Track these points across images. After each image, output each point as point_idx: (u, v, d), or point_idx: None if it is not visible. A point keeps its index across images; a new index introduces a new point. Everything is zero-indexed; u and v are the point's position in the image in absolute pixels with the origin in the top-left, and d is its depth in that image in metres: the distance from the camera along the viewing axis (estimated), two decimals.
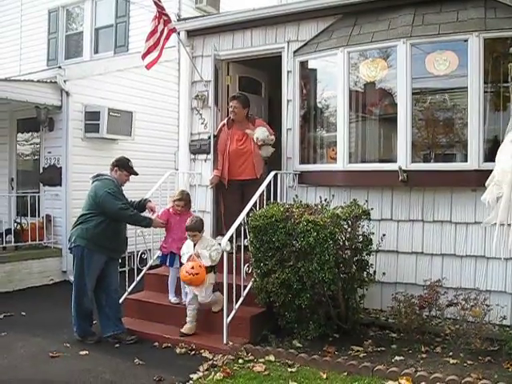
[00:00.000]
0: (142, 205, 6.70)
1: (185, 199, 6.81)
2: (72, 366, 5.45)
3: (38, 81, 9.57)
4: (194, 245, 6.23)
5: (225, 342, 5.79)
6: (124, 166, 6.48)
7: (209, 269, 6.11)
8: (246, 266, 6.17)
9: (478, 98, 6.08)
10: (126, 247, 6.64)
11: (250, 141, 7.32)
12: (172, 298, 6.71)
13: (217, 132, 7.62)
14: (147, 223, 6.49)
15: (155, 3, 7.37)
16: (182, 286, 6.57)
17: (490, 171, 5.92)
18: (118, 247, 6.44)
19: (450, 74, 6.29)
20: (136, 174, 6.58)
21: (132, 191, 7.00)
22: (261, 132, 7.26)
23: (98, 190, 6.21)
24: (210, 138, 7.88)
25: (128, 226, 6.73)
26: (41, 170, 10.32)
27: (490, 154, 6.09)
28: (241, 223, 6.08)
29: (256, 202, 6.36)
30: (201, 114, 8.27)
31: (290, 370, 5.17)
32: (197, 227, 6.29)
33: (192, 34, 8.38)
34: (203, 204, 8.12)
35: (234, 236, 5.96)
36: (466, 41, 6.11)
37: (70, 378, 5.14)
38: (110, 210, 6.14)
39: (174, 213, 6.78)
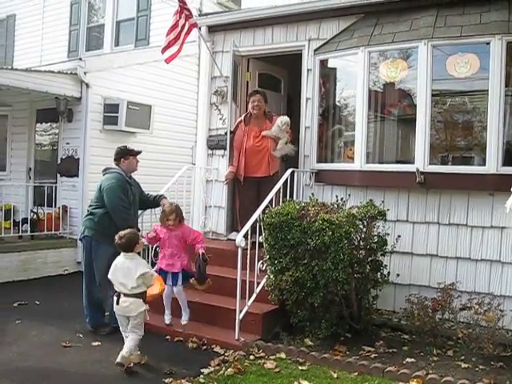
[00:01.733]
0: (157, 201, 6.72)
1: (176, 211, 6.27)
2: (84, 356, 5.50)
3: (59, 72, 9.63)
4: None
5: (236, 337, 5.80)
6: (125, 152, 6.54)
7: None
8: (260, 262, 6.17)
9: (499, 102, 6.02)
10: None
11: (267, 138, 7.31)
12: (167, 320, 6.30)
13: (233, 128, 7.63)
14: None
15: None
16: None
17: (509, 175, 5.93)
18: None
19: (470, 76, 6.23)
20: (140, 152, 6.64)
21: (149, 184, 7.07)
22: (283, 118, 7.34)
23: (104, 182, 6.30)
24: (226, 133, 7.89)
25: (144, 219, 6.77)
26: (58, 161, 10.40)
27: (509, 159, 6.06)
28: (256, 220, 6.09)
29: (272, 200, 6.36)
30: (219, 110, 8.29)
31: (300, 368, 5.19)
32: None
33: (213, 29, 8.38)
34: (219, 199, 8.13)
35: (249, 232, 5.97)
36: (488, 43, 6.06)
37: (82, 369, 5.19)
38: (109, 203, 6.18)
39: (166, 228, 6.31)
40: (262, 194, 6.89)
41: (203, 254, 6.16)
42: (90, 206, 6.43)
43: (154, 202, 6.74)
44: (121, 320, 5.40)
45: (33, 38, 15.21)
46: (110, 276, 5.41)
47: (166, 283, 6.16)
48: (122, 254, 5.47)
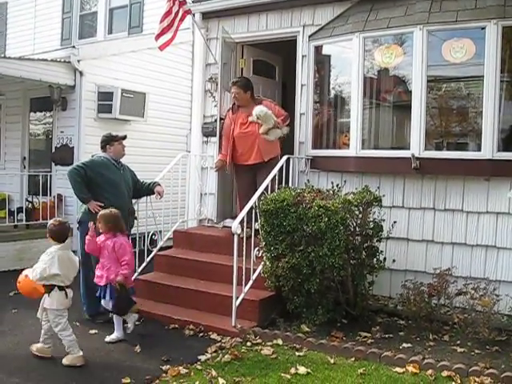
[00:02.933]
0: (151, 188, 6.74)
1: (105, 219, 5.69)
2: (81, 344, 5.46)
3: (52, 60, 9.56)
4: None
5: (233, 324, 5.82)
6: (109, 139, 6.62)
7: (46, 288, 5.12)
8: (256, 249, 6.17)
9: (494, 87, 6.01)
10: (129, 226, 6.48)
11: (255, 124, 7.12)
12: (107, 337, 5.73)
13: (224, 116, 7.58)
14: (83, 199, 6.41)
15: None
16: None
17: (504, 161, 5.94)
18: None
19: (466, 61, 6.21)
20: (124, 137, 6.69)
21: (144, 172, 7.08)
22: (257, 109, 6.98)
23: None
24: (216, 121, 7.86)
25: (140, 207, 6.77)
26: (53, 150, 10.35)
27: (505, 144, 6.07)
28: (252, 207, 6.09)
29: (268, 186, 6.35)
30: (214, 97, 8.25)
31: (297, 353, 5.21)
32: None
33: (207, 16, 8.32)
34: (214, 187, 8.11)
35: (245, 219, 5.97)
36: (483, 28, 6.04)
37: None
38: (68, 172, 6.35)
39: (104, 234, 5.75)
40: (258, 180, 6.86)
41: (120, 284, 5.50)
42: None
43: (148, 189, 6.77)
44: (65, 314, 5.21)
45: (25, 27, 15.08)
46: (59, 271, 5.05)
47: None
48: (55, 246, 5.14)
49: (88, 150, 9.72)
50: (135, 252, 7.06)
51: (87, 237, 5.74)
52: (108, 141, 6.58)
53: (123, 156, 6.67)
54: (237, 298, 5.86)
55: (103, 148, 6.59)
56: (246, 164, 7.21)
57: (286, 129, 7.18)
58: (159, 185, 6.83)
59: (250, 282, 6.08)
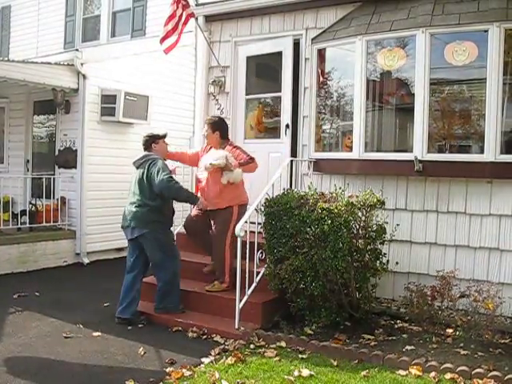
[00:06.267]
0: None
1: None
2: (85, 346, 5.51)
3: (56, 63, 9.59)
4: None
5: (236, 327, 5.83)
6: (155, 137, 6.63)
7: None
8: (260, 252, 6.18)
9: (497, 90, 6.01)
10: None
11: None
12: None
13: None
14: (194, 198, 6.47)
15: None
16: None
17: (507, 164, 5.94)
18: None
19: (468, 64, 6.22)
20: (165, 135, 6.72)
21: None
22: (215, 156, 6.49)
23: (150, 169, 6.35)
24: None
25: None
26: (56, 153, 10.38)
27: (507, 147, 6.07)
28: (256, 209, 6.10)
29: (271, 188, 6.35)
30: (217, 100, 8.28)
31: (300, 356, 5.20)
32: None
33: (210, 19, 8.38)
34: None
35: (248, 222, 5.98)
36: (486, 31, 6.04)
37: (82, 359, 5.20)
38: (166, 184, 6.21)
39: None
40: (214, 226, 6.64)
41: None
42: (134, 203, 6.36)
43: None
44: None
45: (28, 30, 15.16)
46: None
47: None
48: None
49: (91, 153, 9.84)
50: None
51: None
52: (154, 138, 6.58)
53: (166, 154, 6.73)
54: (240, 300, 5.87)
55: (148, 147, 6.56)
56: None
57: (238, 172, 6.45)
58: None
59: (254, 285, 6.09)
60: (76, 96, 9.87)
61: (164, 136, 6.67)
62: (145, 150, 6.57)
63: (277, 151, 7.78)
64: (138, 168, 6.46)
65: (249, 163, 6.58)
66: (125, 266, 6.53)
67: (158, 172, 6.17)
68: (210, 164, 6.37)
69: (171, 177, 6.22)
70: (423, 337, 5.64)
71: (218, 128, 6.76)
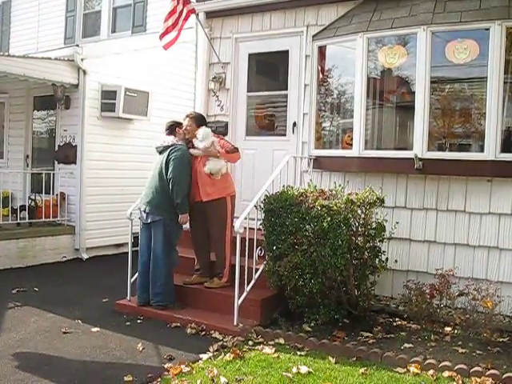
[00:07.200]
0: None
1: None
2: (83, 342, 5.51)
3: (56, 58, 9.58)
4: None
5: (235, 323, 5.83)
6: (177, 122, 6.78)
7: None
8: (259, 249, 6.18)
9: (498, 88, 6.00)
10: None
11: (199, 161, 6.64)
12: None
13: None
14: (186, 208, 6.49)
15: None
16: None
17: (507, 162, 5.94)
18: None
19: (469, 62, 6.20)
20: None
21: (147, 171, 7.05)
22: (201, 130, 6.68)
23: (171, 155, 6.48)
24: (227, 124, 7.95)
25: None
26: (56, 148, 10.37)
27: (508, 145, 6.06)
28: (255, 206, 6.10)
29: (271, 185, 6.35)
30: (217, 96, 8.28)
31: (299, 353, 5.21)
32: None
33: (211, 15, 8.36)
34: None
35: (248, 218, 5.98)
36: (487, 29, 6.03)
37: (81, 354, 5.20)
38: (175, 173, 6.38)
39: None
40: (209, 222, 6.73)
41: None
42: (151, 187, 6.53)
43: None
44: None
45: (29, 25, 15.13)
46: None
47: None
48: None
49: (91, 148, 9.84)
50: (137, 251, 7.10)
51: None
52: (178, 124, 6.72)
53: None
54: (239, 297, 5.87)
55: (172, 131, 6.66)
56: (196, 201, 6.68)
57: (221, 164, 6.61)
58: None
59: (253, 282, 6.10)
60: (76, 91, 9.86)
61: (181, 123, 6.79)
62: (168, 134, 6.64)
63: (282, 149, 7.74)
64: (160, 153, 6.55)
65: (234, 152, 6.74)
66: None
67: (175, 163, 6.33)
68: (197, 147, 6.57)
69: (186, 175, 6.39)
70: (422, 335, 5.65)
71: (203, 123, 6.90)
